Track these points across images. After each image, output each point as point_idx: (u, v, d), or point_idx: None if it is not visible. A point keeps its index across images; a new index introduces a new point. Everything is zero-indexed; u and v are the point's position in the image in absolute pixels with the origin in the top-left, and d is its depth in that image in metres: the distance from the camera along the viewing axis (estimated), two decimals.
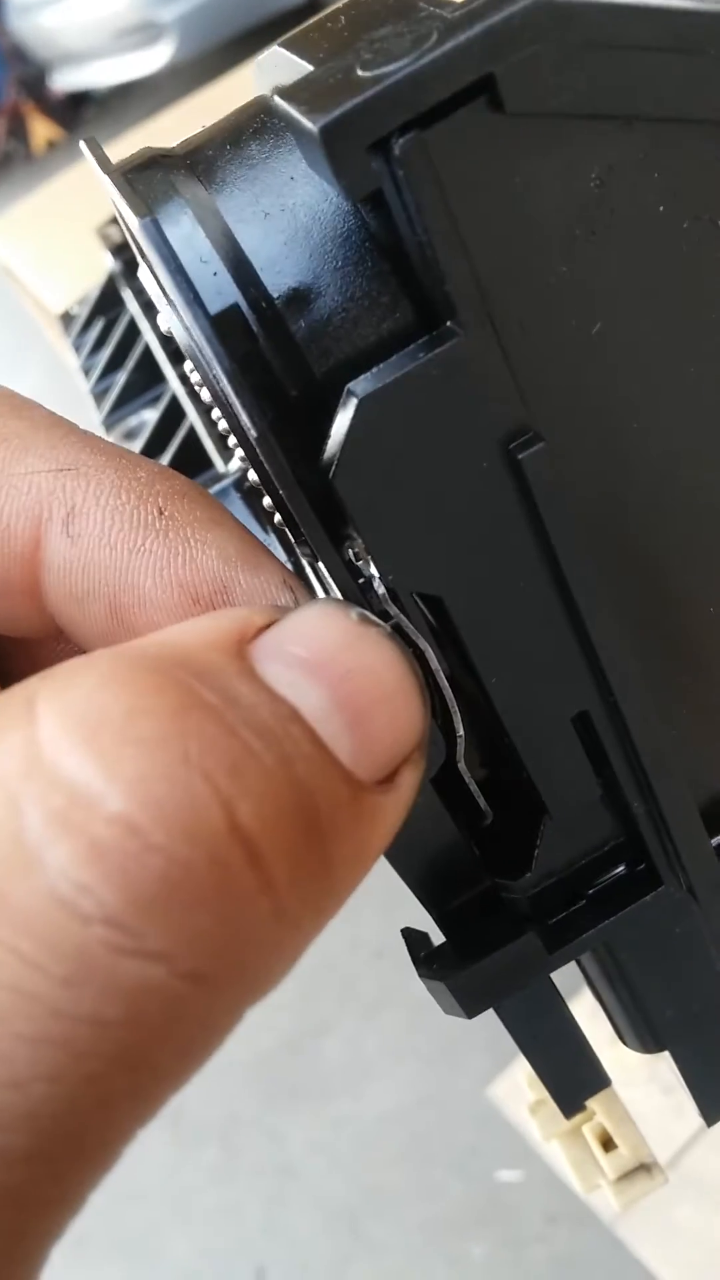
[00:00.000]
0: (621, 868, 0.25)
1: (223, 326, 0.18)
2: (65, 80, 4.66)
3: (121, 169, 0.20)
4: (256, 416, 0.18)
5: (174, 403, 0.57)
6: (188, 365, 0.22)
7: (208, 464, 0.54)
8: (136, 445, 0.58)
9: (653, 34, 0.17)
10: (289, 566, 0.26)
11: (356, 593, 0.20)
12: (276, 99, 0.17)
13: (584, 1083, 0.29)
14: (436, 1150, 1.48)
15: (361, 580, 0.20)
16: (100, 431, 0.63)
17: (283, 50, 0.19)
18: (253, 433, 0.18)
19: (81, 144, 0.23)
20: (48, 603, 0.21)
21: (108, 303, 0.74)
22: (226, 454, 0.47)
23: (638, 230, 0.19)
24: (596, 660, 0.21)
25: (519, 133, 0.17)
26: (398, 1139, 1.51)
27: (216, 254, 0.19)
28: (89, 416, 0.64)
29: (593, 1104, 0.31)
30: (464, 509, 0.19)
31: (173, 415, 0.57)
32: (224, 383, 0.18)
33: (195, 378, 0.21)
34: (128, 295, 0.65)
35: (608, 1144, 0.34)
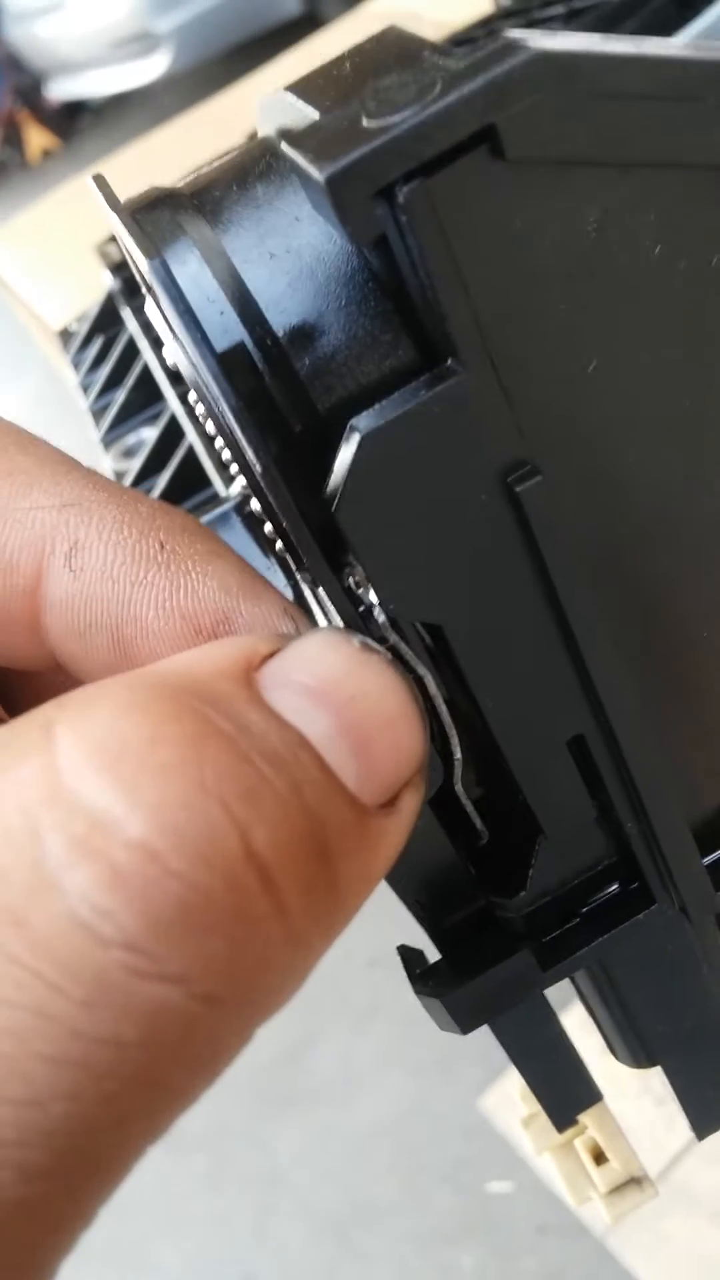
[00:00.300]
0: (615, 886, 0.26)
1: (229, 364, 0.19)
2: (61, 89, 4.67)
3: (129, 208, 0.21)
4: (261, 451, 0.19)
5: (173, 422, 0.58)
6: (192, 396, 0.23)
7: (206, 483, 0.54)
8: (135, 463, 0.58)
9: (649, 83, 0.18)
10: (289, 593, 0.27)
11: (357, 620, 0.21)
12: (284, 145, 0.18)
13: (576, 1097, 0.30)
14: (427, 1161, 1.48)
15: (362, 608, 0.21)
16: (99, 449, 0.63)
17: (289, 95, 0.20)
18: (257, 467, 0.19)
19: (90, 180, 0.23)
20: (47, 636, 0.21)
21: (107, 320, 0.74)
22: (226, 475, 0.48)
23: (634, 271, 0.19)
24: (592, 685, 0.22)
25: (519, 179, 0.17)
26: (388, 1149, 1.51)
27: (223, 293, 0.19)
28: (87, 434, 0.65)
29: (584, 1118, 0.32)
30: (463, 540, 0.20)
31: (172, 434, 0.58)
32: (229, 418, 0.19)
33: (200, 409, 0.22)
34: (127, 314, 0.65)
35: (599, 1157, 0.34)
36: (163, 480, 0.56)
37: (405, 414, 0.18)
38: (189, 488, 0.55)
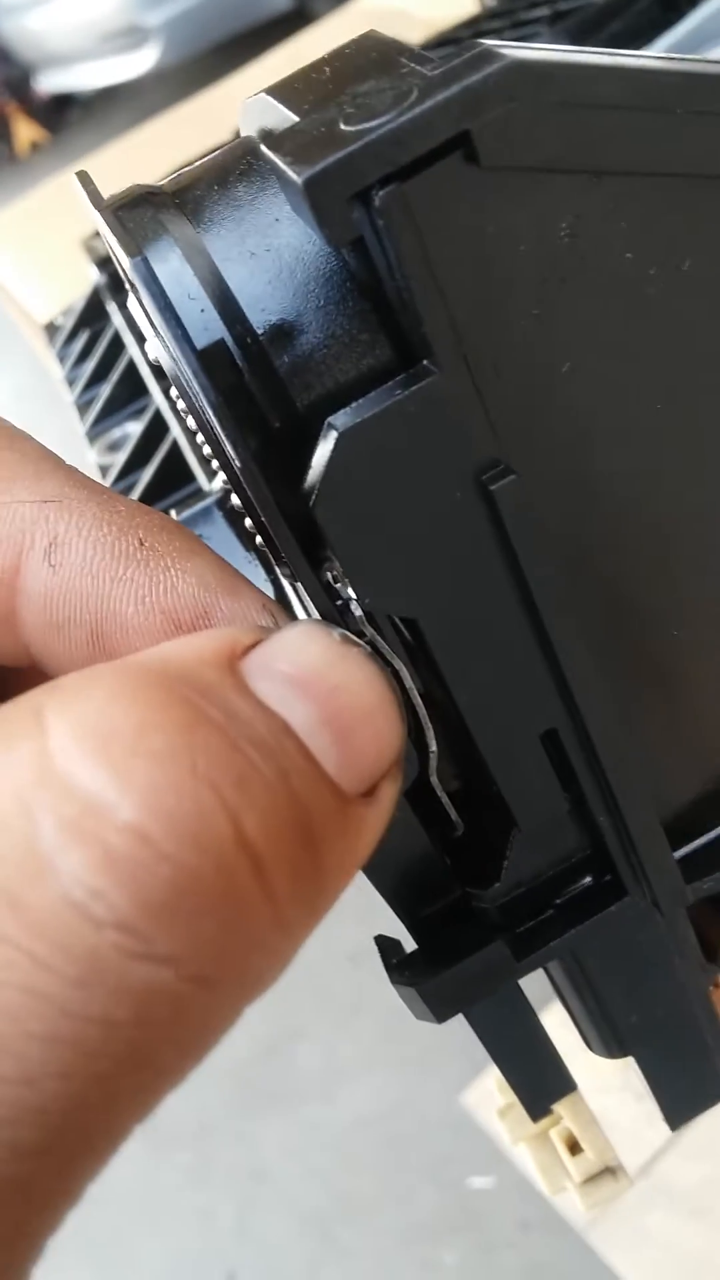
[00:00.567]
0: (588, 879, 0.26)
1: (209, 361, 0.19)
2: (50, 82, 4.66)
3: (112, 205, 0.21)
4: (240, 446, 0.19)
5: (158, 417, 0.58)
6: (174, 391, 0.23)
7: (190, 478, 0.54)
8: (120, 457, 0.59)
9: (622, 93, 0.18)
10: (269, 588, 0.27)
11: (335, 614, 0.21)
12: (263, 147, 0.18)
13: (550, 1087, 0.30)
14: (409, 1156, 1.48)
15: (339, 602, 0.21)
16: (84, 442, 0.64)
17: (269, 98, 0.20)
18: (236, 462, 0.19)
19: (74, 176, 0.24)
20: (23, 630, 0.22)
21: (92, 315, 0.74)
22: (209, 470, 0.48)
23: (606, 276, 0.20)
24: (564, 681, 0.22)
25: (493, 185, 0.18)
26: (371, 1145, 1.51)
27: (204, 291, 0.20)
28: (72, 428, 0.65)
29: (559, 1108, 0.32)
30: (438, 537, 0.20)
31: (156, 429, 0.58)
32: (210, 413, 0.19)
33: (182, 404, 0.22)
34: (112, 309, 0.66)
35: (574, 1147, 0.35)
36: (147, 474, 0.56)
37: (381, 413, 0.19)
38: (173, 482, 0.55)
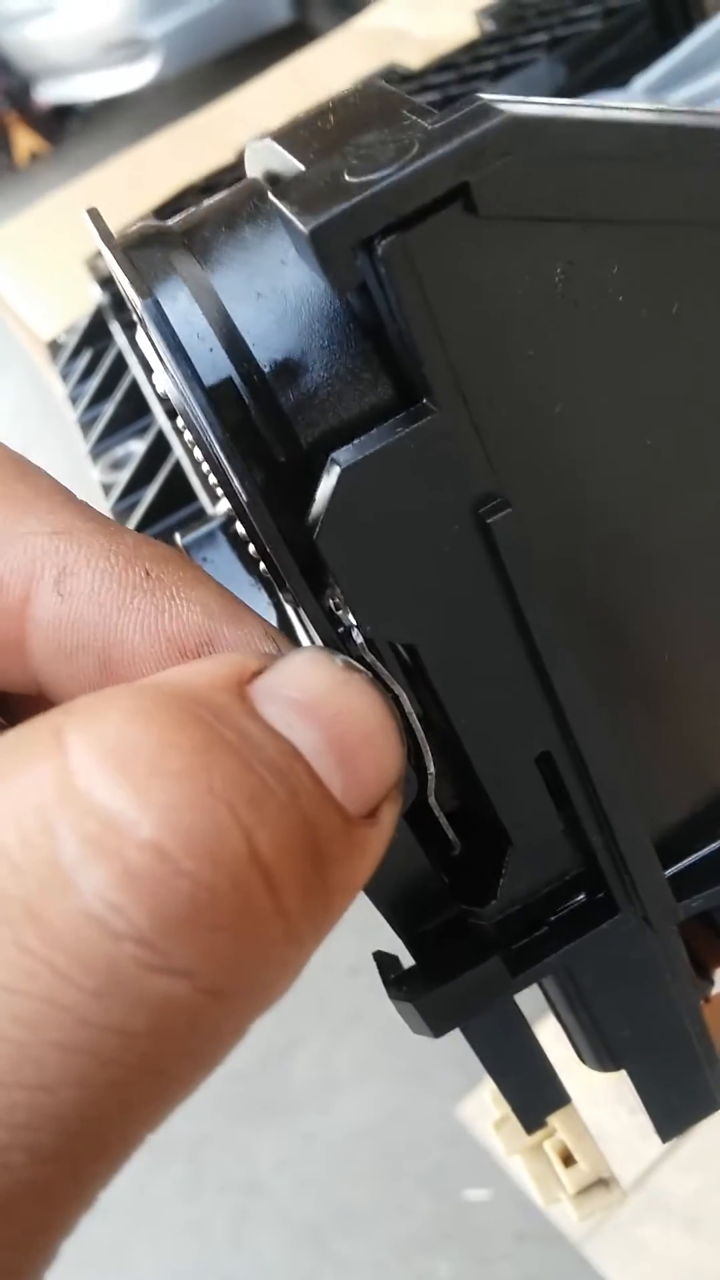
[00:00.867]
0: (581, 896, 0.27)
1: (217, 398, 0.20)
2: (50, 93, 4.67)
3: (123, 244, 0.22)
4: (246, 479, 0.20)
5: (161, 436, 0.58)
6: (180, 422, 0.24)
7: (192, 497, 0.55)
8: (123, 476, 0.59)
9: (612, 145, 0.19)
10: (272, 612, 0.28)
11: (336, 640, 0.22)
12: (271, 195, 0.19)
13: (545, 1100, 0.31)
14: (405, 1168, 1.49)
15: (341, 629, 0.22)
16: (87, 460, 0.64)
17: (275, 144, 0.21)
18: (242, 495, 0.20)
19: (85, 214, 0.24)
20: (32, 658, 0.22)
21: (95, 334, 0.74)
22: (212, 493, 0.49)
23: (598, 319, 0.20)
24: (558, 705, 0.23)
25: (491, 233, 0.19)
26: (366, 1156, 1.51)
27: (212, 331, 0.21)
28: (73, 446, 0.65)
29: (554, 1121, 0.33)
30: (437, 567, 0.21)
31: (159, 448, 0.59)
32: (217, 448, 0.20)
33: (188, 436, 0.23)
34: (115, 328, 0.66)
35: (568, 1159, 0.35)
36: (150, 493, 0.57)
37: (383, 449, 0.19)
38: (176, 501, 0.56)
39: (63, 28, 4.15)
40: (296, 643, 0.23)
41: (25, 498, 0.22)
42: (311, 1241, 1.47)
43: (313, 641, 0.26)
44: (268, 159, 0.22)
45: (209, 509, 0.49)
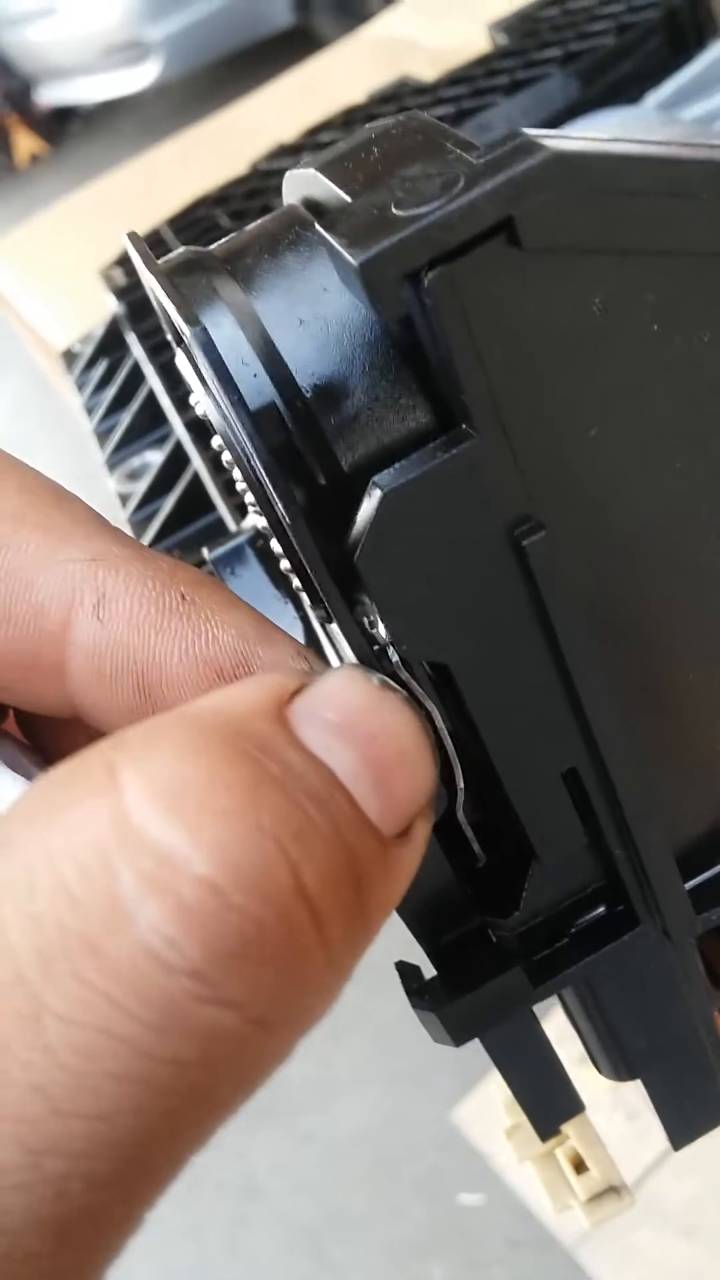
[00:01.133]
0: (602, 909, 0.27)
1: (261, 422, 0.20)
2: (51, 95, 4.68)
3: (167, 270, 0.23)
4: (288, 500, 0.20)
5: (179, 447, 0.59)
6: (217, 442, 0.24)
7: (210, 508, 0.55)
8: (140, 486, 0.60)
9: (651, 181, 0.19)
10: (299, 627, 0.28)
11: (371, 658, 0.22)
12: (318, 227, 0.20)
13: (560, 1107, 0.31)
14: (400, 1172, 1.49)
15: (376, 647, 0.22)
16: (103, 470, 0.65)
17: (319, 174, 0.21)
18: (285, 516, 0.20)
19: (125, 239, 0.25)
20: (71, 683, 0.23)
21: (111, 343, 0.75)
22: (232, 506, 0.49)
23: (633, 346, 0.21)
24: (586, 723, 0.23)
25: (533, 265, 0.19)
26: (362, 1160, 1.52)
27: (256, 357, 0.21)
28: (77, 448, 0.66)
29: (566, 1127, 0.33)
30: (472, 589, 0.21)
31: (177, 459, 0.59)
32: (261, 471, 0.21)
33: (226, 456, 0.24)
34: (132, 339, 0.67)
35: (579, 1166, 0.36)
36: (168, 503, 0.57)
37: (424, 474, 0.20)
38: (194, 512, 0.56)
39: (64, 29, 4.16)
40: (324, 658, 0.24)
41: (62, 525, 0.22)
42: (307, 1245, 1.48)
43: (342, 658, 0.26)
44: (309, 187, 0.23)
45: (229, 521, 0.50)
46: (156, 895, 0.16)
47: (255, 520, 0.29)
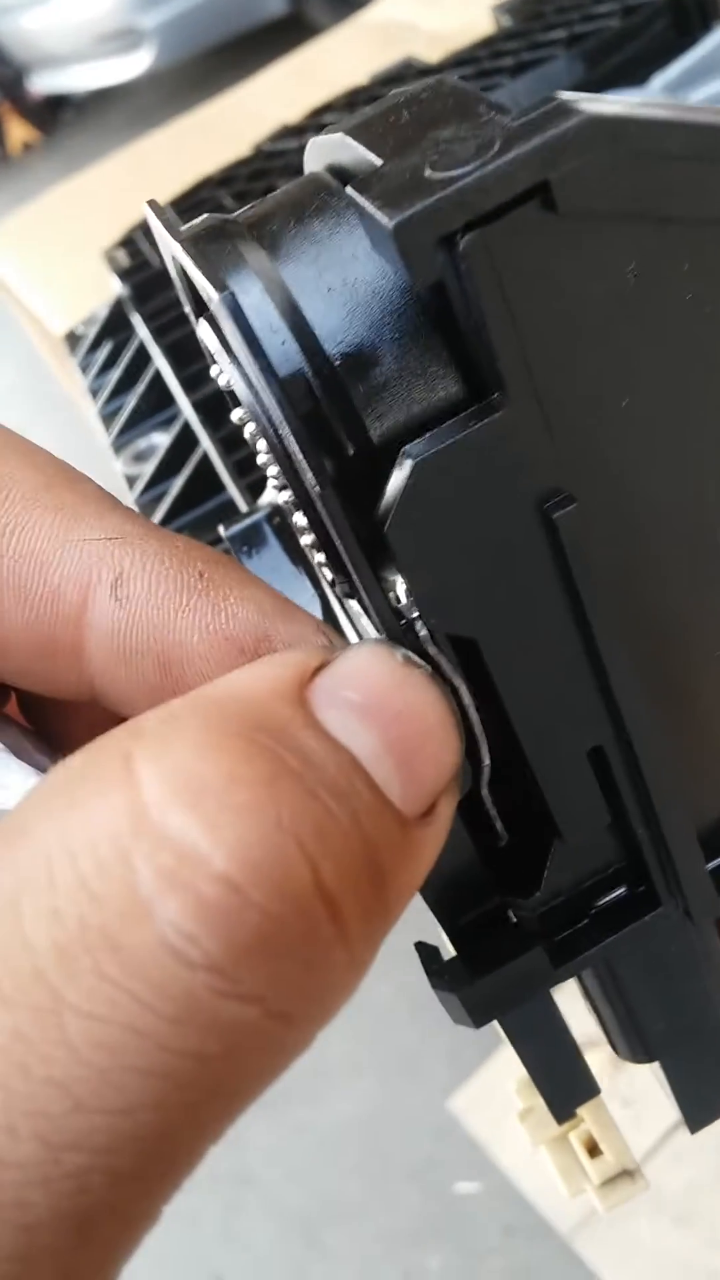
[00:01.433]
0: (623, 889, 0.27)
1: (290, 390, 0.20)
2: (43, 83, 4.66)
3: (191, 236, 0.22)
4: (317, 469, 0.20)
5: (186, 428, 0.59)
6: (239, 415, 0.24)
7: (220, 489, 0.55)
8: (147, 468, 0.59)
9: (688, 146, 0.19)
10: (315, 601, 0.28)
11: (399, 633, 0.22)
12: (350, 190, 0.19)
13: (577, 1090, 0.31)
14: (395, 1161, 1.49)
15: (403, 621, 0.22)
16: (108, 454, 0.64)
17: (348, 138, 0.21)
18: (315, 486, 0.20)
19: (146, 207, 0.25)
20: (89, 664, 0.23)
21: (115, 325, 0.74)
22: (241, 481, 0.49)
23: (667, 315, 0.21)
24: (613, 700, 0.23)
25: (567, 230, 0.19)
26: (356, 1149, 1.52)
27: (284, 324, 0.21)
28: (91, 440, 0.65)
29: (581, 1111, 0.33)
30: (501, 561, 0.21)
31: (185, 440, 0.59)
32: (289, 440, 0.20)
33: (250, 428, 0.23)
34: (136, 320, 0.66)
35: (593, 1150, 0.36)
36: (177, 485, 0.57)
37: (455, 443, 0.20)
38: (203, 493, 0.56)
39: (57, 17, 4.14)
40: (341, 634, 0.23)
41: (76, 506, 0.22)
42: (301, 1233, 1.48)
43: (361, 635, 0.26)
44: (335, 153, 0.23)
45: (240, 501, 0.50)
46: (176, 891, 0.16)
47: (274, 496, 0.28)
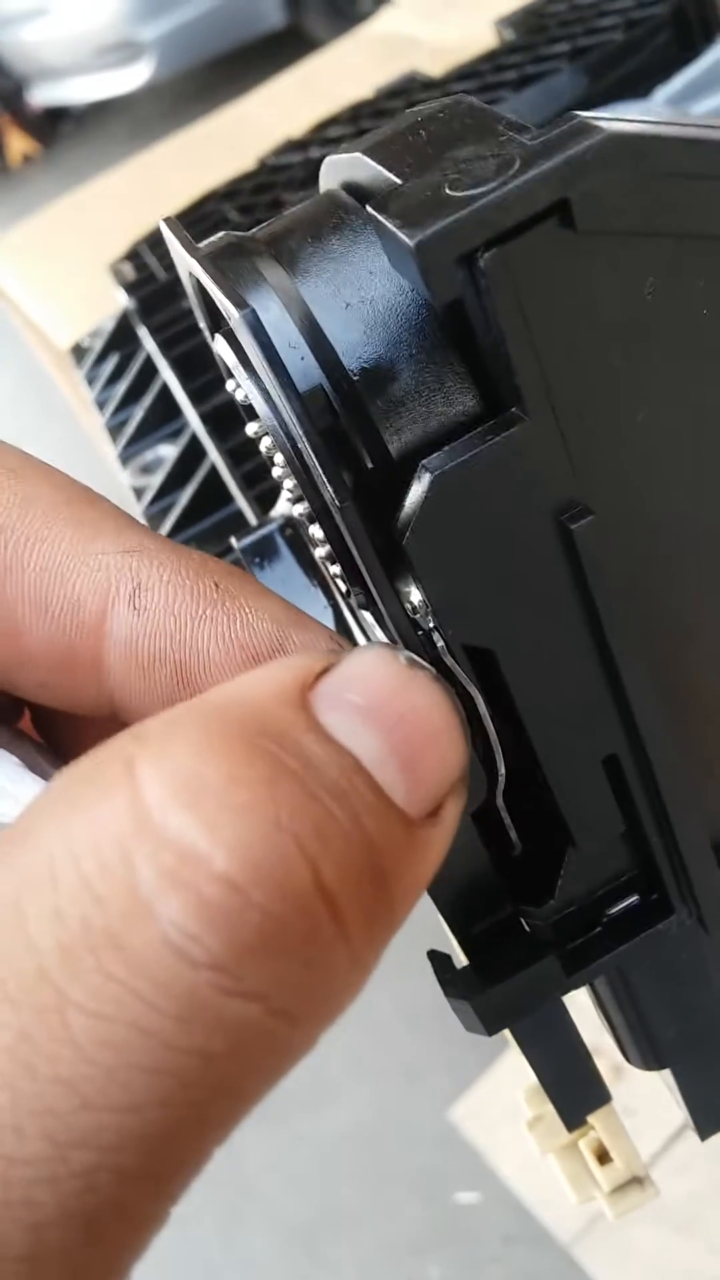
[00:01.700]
0: (635, 897, 0.27)
1: (309, 405, 0.20)
2: (43, 95, 4.67)
3: (210, 253, 0.23)
4: (336, 483, 0.20)
5: (194, 440, 0.59)
6: (255, 428, 0.24)
7: (228, 500, 0.55)
8: (154, 480, 0.60)
9: (705, 164, 0.19)
10: (328, 612, 0.28)
11: (417, 643, 0.22)
12: (369, 208, 0.20)
13: (588, 1098, 0.31)
14: (395, 1170, 1.49)
15: (420, 632, 0.22)
16: (116, 465, 0.65)
17: (365, 158, 0.21)
18: (333, 500, 0.20)
19: (162, 224, 0.25)
20: (109, 675, 0.23)
21: (121, 338, 0.75)
22: (250, 492, 0.49)
23: (683, 331, 0.21)
24: (628, 709, 0.23)
25: (585, 248, 0.19)
26: (356, 1158, 1.52)
27: (304, 340, 0.21)
28: (101, 448, 0.66)
29: (591, 1118, 0.33)
30: (518, 573, 0.21)
31: (193, 452, 0.59)
32: (307, 454, 0.21)
33: (266, 442, 0.24)
34: (143, 333, 0.66)
35: (603, 1157, 0.36)
36: (185, 496, 0.57)
37: (474, 457, 0.20)
38: (211, 505, 0.56)
39: (57, 30, 4.15)
40: (355, 645, 0.24)
41: (95, 521, 0.23)
42: (302, 1243, 1.48)
43: (374, 640, 0.26)
44: (351, 172, 0.23)
45: (248, 513, 0.50)
46: (177, 891, 0.16)
47: (287, 509, 0.29)
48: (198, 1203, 1.52)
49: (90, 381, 0.72)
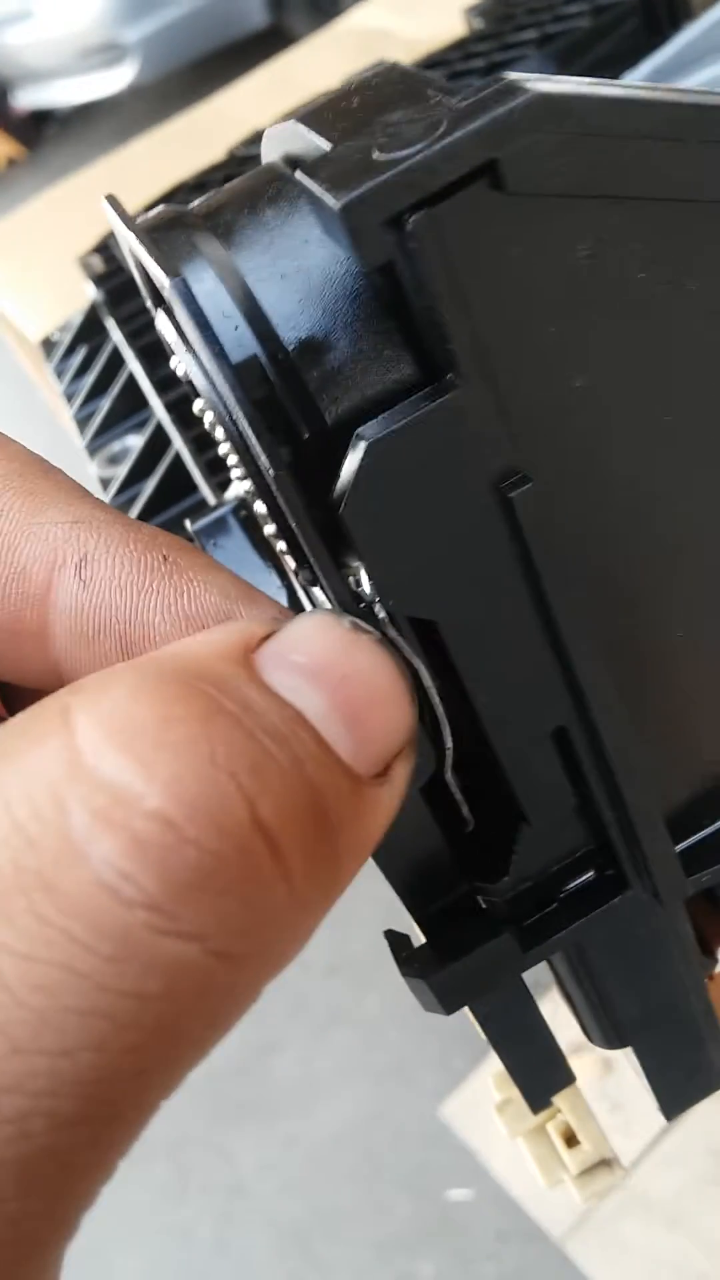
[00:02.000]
0: (591, 873, 0.27)
1: (244, 375, 0.20)
2: (27, 98, 4.66)
3: (146, 227, 0.22)
4: (273, 456, 0.20)
5: (159, 430, 0.59)
6: (199, 405, 0.24)
7: (193, 489, 0.55)
8: (121, 470, 0.59)
9: (637, 124, 0.19)
10: (283, 594, 0.28)
11: (359, 615, 0.22)
12: (298, 174, 0.19)
13: (552, 1079, 0.31)
14: (387, 1169, 1.49)
15: (362, 604, 0.22)
16: (84, 455, 0.64)
17: (299, 125, 0.21)
18: (269, 470, 0.20)
19: (104, 202, 0.25)
20: (54, 645, 0.23)
21: (90, 331, 0.75)
22: (213, 480, 0.49)
23: (619, 294, 0.21)
24: (575, 680, 0.23)
25: (517, 210, 0.19)
26: (348, 1157, 1.51)
27: (238, 309, 0.21)
28: (57, 438, 0.65)
29: (558, 1100, 0.33)
30: (458, 542, 0.21)
31: (158, 442, 0.59)
32: (244, 425, 0.20)
33: (209, 417, 0.23)
34: (111, 324, 0.66)
35: (570, 1140, 0.36)
36: (150, 486, 0.57)
37: (408, 424, 0.20)
38: (176, 494, 0.56)
39: (40, 32, 4.14)
40: None
41: (46, 491, 0.23)
42: (294, 1243, 1.47)
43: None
44: (289, 143, 0.23)
45: (211, 501, 0.50)
46: (110, 831, 0.16)
47: (238, 488, 0.28)
48: (191, 1206, 1.52)
49: (60, 374, 0.72)
